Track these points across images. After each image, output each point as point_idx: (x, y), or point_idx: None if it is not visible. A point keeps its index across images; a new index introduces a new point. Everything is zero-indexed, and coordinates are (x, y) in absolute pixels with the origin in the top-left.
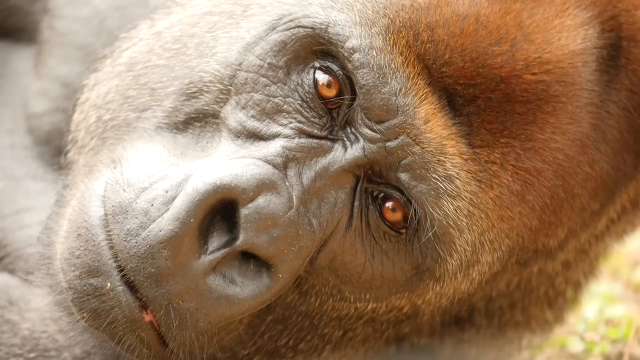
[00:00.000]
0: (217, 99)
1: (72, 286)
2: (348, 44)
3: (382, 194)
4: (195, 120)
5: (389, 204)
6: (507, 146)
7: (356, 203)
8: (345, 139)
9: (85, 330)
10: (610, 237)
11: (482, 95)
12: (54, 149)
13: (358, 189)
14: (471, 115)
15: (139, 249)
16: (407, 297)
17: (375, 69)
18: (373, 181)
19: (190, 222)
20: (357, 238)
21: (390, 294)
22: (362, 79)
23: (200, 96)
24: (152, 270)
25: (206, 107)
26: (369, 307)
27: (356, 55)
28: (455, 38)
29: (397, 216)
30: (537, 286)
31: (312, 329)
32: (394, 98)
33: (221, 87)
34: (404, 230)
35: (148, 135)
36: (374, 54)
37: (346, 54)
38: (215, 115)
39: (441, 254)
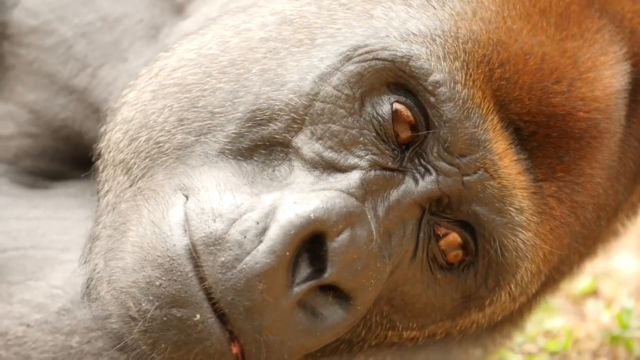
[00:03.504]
0: (289, 128)
1: (151, 316)
2: (432, 78)
3: (443, 227)
4: (261, 147)
5: (456, 248)
6: (562, 180)
7: (421, 235)
8: (414, 171)
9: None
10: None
11: (541, 131)
12: (21, 170)
13: (423, 221)
14: (533, 150)
15: (236, 281)
16: (446, 325)
17: (460, 103)
18: (436, 214)
19: (286, 255)
20: (417, 269)
21: (434, 322)
22: (449, 112)
23: (269, 124)
24: (248, 303)
25: (276, 136)
26: (412, 335)
27: (442, 90)
28: (523, 76)
29: (458, 256)
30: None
31: (349, 355)
32: (477, 133)
33: (295, 116)
34: (459, 262)
35: (210, 161)
36: (459, 88)
37: (430, 88)
38: (285, 144)
39: (501, 282)
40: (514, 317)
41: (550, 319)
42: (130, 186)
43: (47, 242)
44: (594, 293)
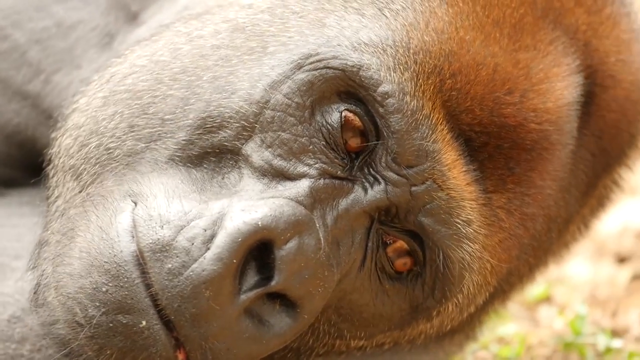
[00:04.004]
0: (239, 136)
1: (97, 322)
2: (381, 89)
3: (391, 237)
4: (211, 155)
5: (403, 256)
6: (513, 192)
7: (369, 244)
8: (364, 180)
9: None
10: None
11: (492, 142)
12: None
13: (372, 230)
14: (484, 161)
15: (182, 288)
16: (394, 335)
17: (408, 115)
18: (385, 223)
19: (233, 262)
20: (365, 278)
21: (382, 332)
22: (396, 124)
23: (219, 131)
24: (194, 310)
25: (226, 143)
26: (359, 344)
27: (390, 101)
28: (475, 87)
29: (407, 264)
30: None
31: None
32: (425, 144)
33: (245, 124)
34: (407, 272)
35: (160, 167)
36: (408, 99)
37: (379, 99)
38: (235, 152)
39: (447, 294)
40: (464, 327)
41: (504, 326)
42: (80, 192)
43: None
44: (547, 299)
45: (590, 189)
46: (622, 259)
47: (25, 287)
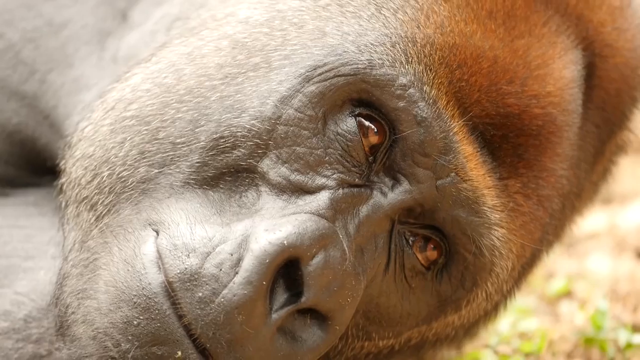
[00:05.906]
0: (254, 154)
1: (132, 356)
2: (400, 82)
3: (416, 235)
4: (227, 175)
5: (430, 245)
6: (526, 176)
7: (392, 246)
8: (381, 184)
9: None
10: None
11: (499, 132)
12: None
13: (394, 232)
14: (494, 150)
15: (215, 316)
16: (421, 329)
17: (431, 102)
18: (405, 223)
19: (262, 285)
20: (391, 280)
21: (410, 329)
22: (422, 112)
23: (233, 151)
24: (229, 336)
25: (241, 162)
26: (388, 343)
27: (411, 91)
28: (479, 78)
29: (434, 254)
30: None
31: None
32: (449, 133)
33: (259, 141)
34: (433, 266)
35: (176, 192)
36: (427, 89)
37: (398, 92)
38: (251, 170)
39: (478, 281)
40: (489, 316)
41: (525, 321)
42: (97, 222)
43: (10, 250)
44: (568, 294)
45: (598, 159)
46: None
47: (39, 287)
